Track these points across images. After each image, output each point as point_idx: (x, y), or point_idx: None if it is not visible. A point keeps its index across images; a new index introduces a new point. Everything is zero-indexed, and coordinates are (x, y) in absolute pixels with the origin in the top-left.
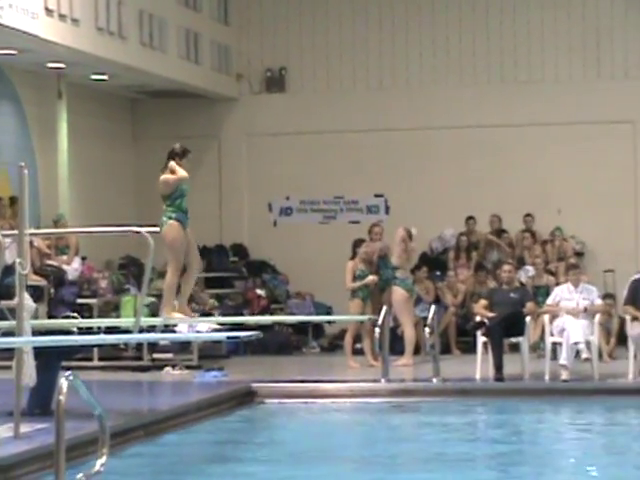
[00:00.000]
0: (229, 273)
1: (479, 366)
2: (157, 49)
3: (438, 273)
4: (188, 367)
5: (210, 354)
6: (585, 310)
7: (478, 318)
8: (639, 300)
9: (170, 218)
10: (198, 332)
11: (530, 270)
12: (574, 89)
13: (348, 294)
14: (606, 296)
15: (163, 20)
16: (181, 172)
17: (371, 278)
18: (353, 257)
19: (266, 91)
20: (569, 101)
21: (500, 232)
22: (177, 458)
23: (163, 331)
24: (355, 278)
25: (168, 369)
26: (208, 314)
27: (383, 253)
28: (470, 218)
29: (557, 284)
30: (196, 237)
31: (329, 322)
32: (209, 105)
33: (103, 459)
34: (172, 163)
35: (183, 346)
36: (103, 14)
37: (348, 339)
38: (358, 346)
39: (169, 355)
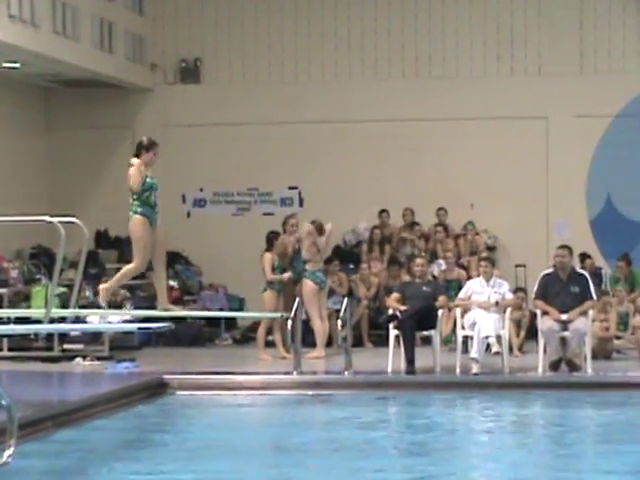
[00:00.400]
0: None
1: (391, 359)
2: (70, 38)
3: (351, 266)
4: (99, 358)
5: (121, 345)
6: (496, 304)
7: (390, 311)
8: (549, 295)
9: (136, 212)
10: (109, 323)
11: (442, 264)
12: (488, 85)
13: (261, 286)
14: (517, 290)
15: (76, 9)
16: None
17: (287, 275)
18: (269, 249)
19: (181, 82)
20: (483, 96)
21: (412, 224)
22: (86, 449)
23: (74, 322)
24: (273, 270)
25: (79, 360)
26: (120, 305)
27: (297, 246)
28: (383, 211)
29: (469, 278)
30: (109, 227)
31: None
32: (123, 95)
33: (11, 450)
34: (133, 160)
35: (94, 337)
36: (15, 2)
37: (261, 331)
38: (270, 338)
39: (80, 346)
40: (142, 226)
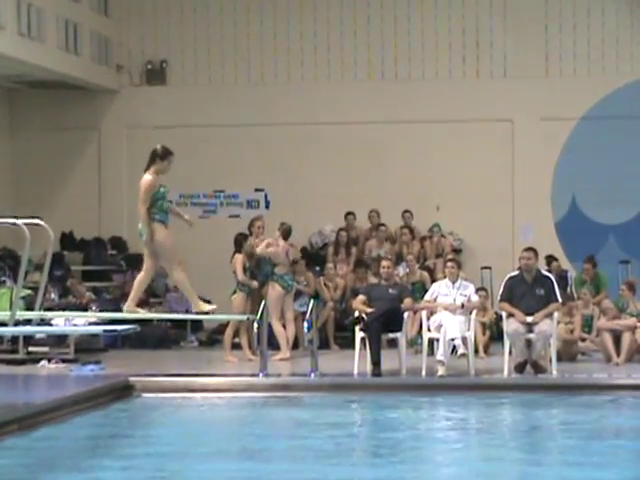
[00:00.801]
0: (107, 266)
1: (357, 361)
2: (35, 39)
3: (317, 268)
4: (64, 360)
5: (87, 347)
6: (462, 306)
7: (357, 313)
8: (515, 297)
9: (154, 220)
10: (75, 325)
11: (406, 267)
12: (454, 87)
13: (227, 288)
14: (479, 289)
15: (41, 10)
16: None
17: (255, 283)
18: (238, 251)
19: (147, 83)
20: (449, 99)
21: (378, 226)
22: (51, 452)
23: (39, 324)
24: (245, 271)
25: (44, 362)
26: (85, 307)
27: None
28: (349, 214)
29: (433, 280)
30: (74, 229)
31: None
32: (89, 97)
33: None
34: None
35: (59, 339)
36: None
37: (228, 333)
38: (236, 340)
39: (45, 348)
40: (164, 231)
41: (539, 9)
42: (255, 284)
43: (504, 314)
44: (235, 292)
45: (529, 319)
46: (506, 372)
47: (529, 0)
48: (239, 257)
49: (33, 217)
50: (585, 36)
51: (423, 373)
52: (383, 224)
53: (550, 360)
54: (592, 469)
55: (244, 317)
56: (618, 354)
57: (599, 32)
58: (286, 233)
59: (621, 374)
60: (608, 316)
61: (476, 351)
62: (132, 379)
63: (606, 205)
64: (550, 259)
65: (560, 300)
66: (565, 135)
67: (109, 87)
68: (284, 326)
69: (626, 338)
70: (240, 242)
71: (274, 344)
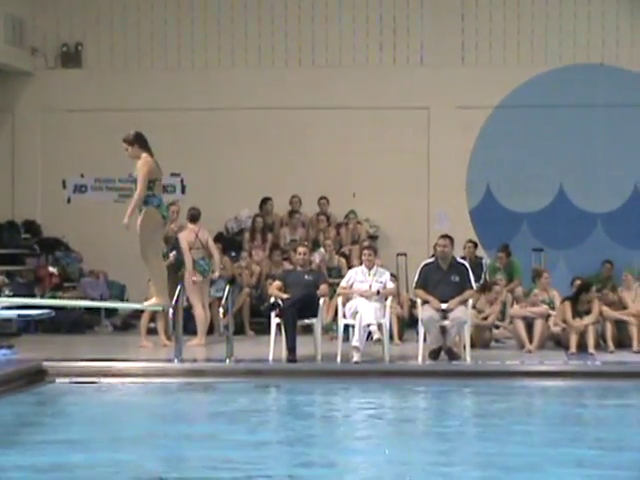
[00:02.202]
0: (20, 250)
1: (272, 347)
2: None
3: (233, 254)
4: None
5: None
6: (378, 293)
7: (272, 299)
8: (430, 284)
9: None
10: None
11: (323, 252)
12: (370, 74)
13: (142, 273)
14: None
15: None
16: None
17: (172, 255)
18: None
19: (62, 66)
20: (366, 86)
21: (292, 213)
22: None
23: None
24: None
25: None
26: None
27: (178, 234)
28: (267, 199)
29: (349, 267)
30: None
31: (123, 302)
32: (2, 79)
33: None
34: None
35: None
36: None
37: (145, 318)
38: (152, 325)
39: None
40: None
41: None
42: (171, 256)
43: (419, 301)
44: None
45: (444, 306)
46: (420, 359)
47: None
48: None
49: None
50: (501, 25)
51: (338, 359)
52: (297, 211)
53: (464, 347)
54: (498, 454)
55: (159, 307)
56: (531, 341)
57: (514, 22)
58: (192, 217)
59: (533, 361)
60: (521, 303)
61: (391, 338)
62: (45, 364)
63: (520, 193)
64: (471, 243)
65: (474, 287)
66: (480, 123)
67: (23, 69)
68: None
69: (538, 325)
70: None
71: (189, 329)
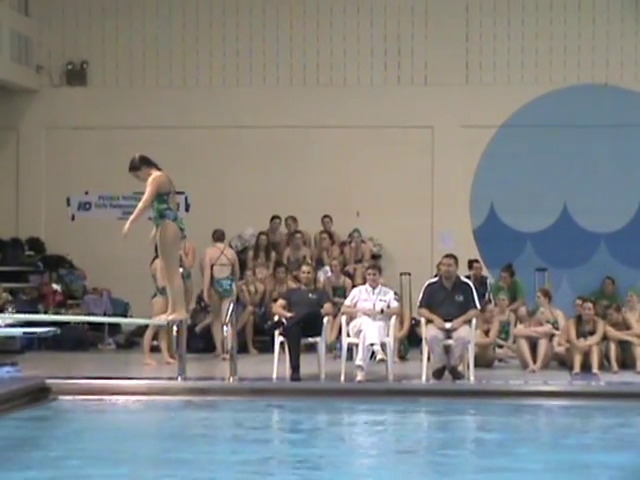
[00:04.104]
0: (24, 267)
1: (276, 366)
2: None
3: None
4: None
5: (3, 349)
6: (382, 312)
7: (276, 318)
8: (434, 303)
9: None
10: None
11: (328, 271)
12: (375, 93)
13: (147, 290)
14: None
15: None
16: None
17: None
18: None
19: (67, 84)
20: (370, 105)
21: (294, 233)
22: None
23: None
24: None
25: None
26: (1, 308)
27: (185, 253)
28: (275, 217)
29: (354, 285)
30: None
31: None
32: (8, 96)
33: None
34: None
35: None
36: None
37: (148, 336)
38: (155, 343)
39: None
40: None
41: (460, 17)
42: None
43: (422, 320)
44: (155, 295)
45: (448, 325)
46: (424, 378)
47: (450, 8)
48: (158, 262)
49: None
50: (505, 45)
51: (342, 378)
52: (299, 231)
53: (468, 366)
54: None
55: (164, 322)
56: (534, 361)
57: (518, 42)
58: (218, 237)
59: (537, 380)
60: (525, 323)
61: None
62: (48, 381)
63: (524, 213)
64: (471, 263)
65: (479, 307)
66: (484, 143)
67: (29, 87)
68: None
69: (542, 345)
70: None
71: (192, 347)
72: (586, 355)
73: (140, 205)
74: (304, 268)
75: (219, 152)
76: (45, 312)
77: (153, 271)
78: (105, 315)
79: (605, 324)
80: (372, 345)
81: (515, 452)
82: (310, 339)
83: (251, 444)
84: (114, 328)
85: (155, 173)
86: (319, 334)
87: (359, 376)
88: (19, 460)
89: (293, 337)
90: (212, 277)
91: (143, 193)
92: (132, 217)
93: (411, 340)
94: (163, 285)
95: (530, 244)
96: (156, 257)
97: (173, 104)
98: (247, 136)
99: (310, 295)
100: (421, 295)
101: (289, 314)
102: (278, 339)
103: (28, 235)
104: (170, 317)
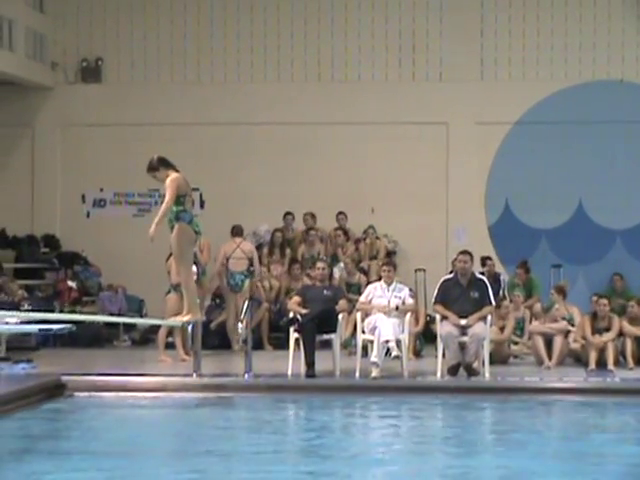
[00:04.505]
0: (40, 264)
1: (291, 362)
2: None
3: (252, 268)
4: None
5: (19, 346)
6: (397, 309)
7: (291, 314)
8: (449, 300)
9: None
10: (7, 323)
11: (342, 267)
12: (389, 89)
13: (162, 286)
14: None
15: None
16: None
17: None
18: None
19: (82, 81)
20: (384, 101)
21: (308, 230)
22: None
23: None
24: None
25: None
26: (17, 305)
27: (200, 249)
28: (288, 214)
29: (369, 282)
30: (7, 227)
31: (141, 317)
32: (23, 93)
33: None
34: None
35: None
36: None
37: (162, 332)
38: (170, 340)
39: None
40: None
41: (475, 13)
42: None
43: (438, 317)
44: (169, 292)
45: (462, 322)
46: (439, 375)
47: (465, 4)
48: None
49: None
50: (520, 41)
51: (357, 374)
52: (312, 227)
53: (483, 363)
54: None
55: (179, 323)
56: (550, 357)
57: (534, 38)
58: (236, 232)
59: (552, 377)
60: (540, 320)
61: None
62: (64, 378)
63: (539, 209)
64: (484, 260)
65: (494, 303)
66: (499, 139)
67: (44, 84)
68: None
69: (557, 342)
70: None
71: (207, 344)
72: (602, 351)
73: (163, 207)
74: (319, 265)
75: (234, 148)
76: (61, 309)
77: (168, 267)
78: (120, 312)
79: (620, 320)
80: (387, 342)
81: (529, 449)
82: (325, 336)
83: (265, 439)
84: (129, 325)
85: (173, 174)
86: (334, 331)
87: (374, 373)
88: (34, 456)
89: (308, 334)
90: (228, 270)
91: (157, 190)
92: (156, 220)
93: (426, 337)
94: (177, 282)
95: (545, 241)
96: (172, 254)
97: (188, 101)
98: (262, 132)
99: (325, 292)
100: (436, 292)
101: (304, 311)
102: (293, 336)
103: (43, 232)
104: (185, 318)
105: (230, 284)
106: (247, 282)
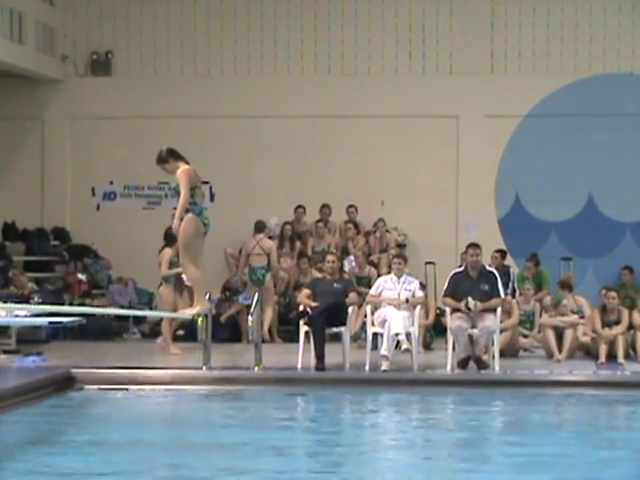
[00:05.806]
0: (50, 257)
1: (301, 355)
2: None
3: None
4: (6, 352)
5: (29, 339)
6: (407, 301)
7: (301, 307)
8: (459, 293)
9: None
10: (17, 316)
11: (352, 260)
12: (399, 83)
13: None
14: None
15: None
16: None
17: (177, 270)
18: (169, 244)
19: (92, 74)
20: (394, 94)
21: (317, 222)
22: None
23: None
24: (171, 265)
25: None
26: (27, 298)
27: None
28: (299, 207)
29: (379, 275)
30: (16, 220)
31: (151, 309)
32: (33, 86)
33: None
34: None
35: (1, 330)
36: None
37: (166, 326)
38: (181, 332)
39: None
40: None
41: (485, 6)
42: (176, 271)
43: (447, 310)
44: (161, 285)
45: (471, 305)
46: (449, 368)
47: None
48: (168, 251)
49: None
50: (530, 34)
51: (367, 368)
52: (320, 220)
53: (493, 356)
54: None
55: (189, 316)
56: (560, 351)
57: (544, 30)
58: (257, 228)
59: (563, 370)
60: (550, 313)
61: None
62: (74, 371)
63: (549, 202)
64: (499, 252)
65: (503, 296)
66: (509, 132)
67: (53, 77)
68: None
69: (568, 335)
70: (172, 236)
71: (217, 337)
72: (611, 345)
73: (181, 201)
74: (329, 257)
75: (243, 141)
76: (70, 302)
77: (159, 259)
78: (130, 305)
79: (630, 313)
80: (397, 335)
81: (540, 440)
82: (335, 329)
83: (275, 433)
84: (139, 318)
85: (183, 166)
86: (344, 324)
87: (384, 366)
88: (44, 448)
89: (318, 327)
90: (250, 266)
91: (167, 183)
92: (177, 214)
93: (436, 330)
94: (165, 274)
95: (555, 234)
96: (165, 246)
97: (197, 94)
98: (272, 125)
99: (335, 285)
100: (446, 284)
101: (314, 304)
102: (303, 329)
103: (53, 225)
104: (194, 311)
105: (252, 279)
106: (268, 276)
